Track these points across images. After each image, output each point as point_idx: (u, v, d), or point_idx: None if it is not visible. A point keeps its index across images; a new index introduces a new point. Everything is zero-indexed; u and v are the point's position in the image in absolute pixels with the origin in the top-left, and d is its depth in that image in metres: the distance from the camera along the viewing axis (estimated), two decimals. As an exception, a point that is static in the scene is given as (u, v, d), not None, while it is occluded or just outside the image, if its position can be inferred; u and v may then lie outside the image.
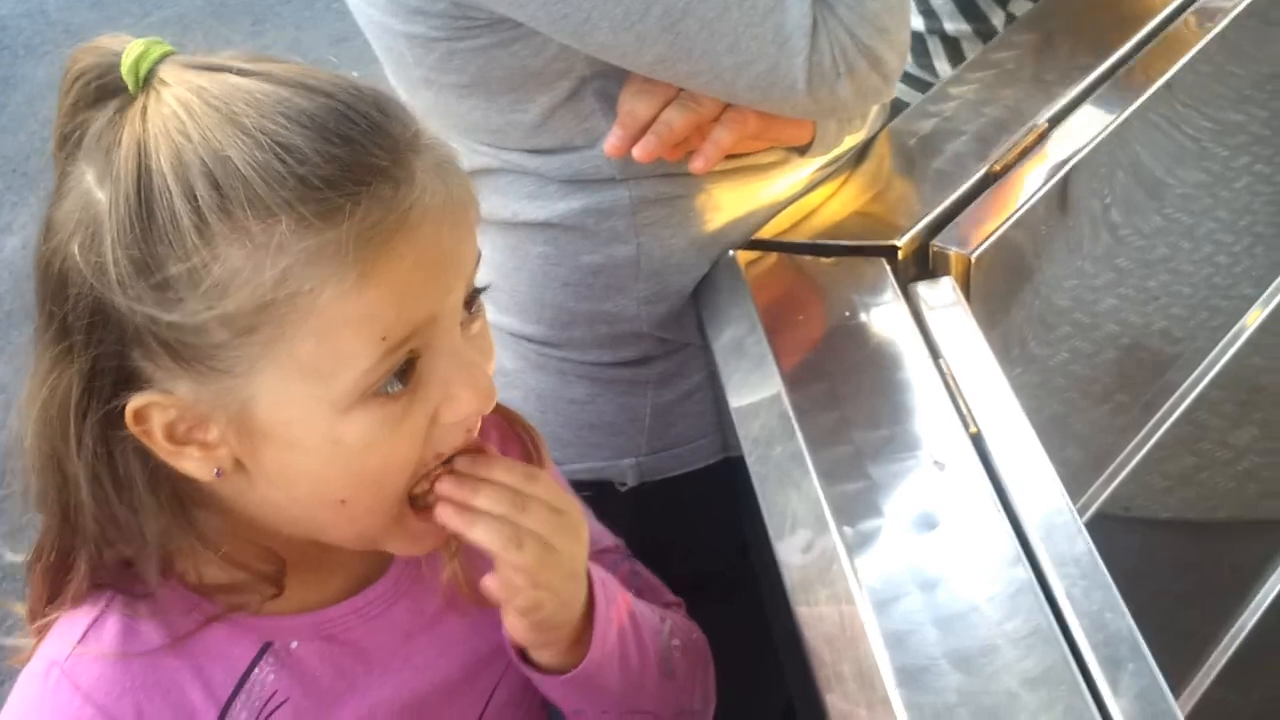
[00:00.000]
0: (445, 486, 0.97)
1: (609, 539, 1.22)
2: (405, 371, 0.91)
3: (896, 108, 1.56)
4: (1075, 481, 1.42)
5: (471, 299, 0.97)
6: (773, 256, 1.39)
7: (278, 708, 0.99)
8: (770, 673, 1.29)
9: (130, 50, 0.89)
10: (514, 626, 1.04)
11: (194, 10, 4.54)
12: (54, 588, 0.99)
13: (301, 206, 0.85)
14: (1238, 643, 1.44)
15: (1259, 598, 1.48)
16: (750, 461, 1.19)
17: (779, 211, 1.42)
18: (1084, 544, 1.02)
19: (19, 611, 1.02)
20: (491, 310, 1.46)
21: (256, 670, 0.99)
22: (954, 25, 1.84)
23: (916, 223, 1.36)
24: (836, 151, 1.42)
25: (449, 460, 0.98)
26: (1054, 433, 1.39)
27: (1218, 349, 1.63)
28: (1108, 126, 1.46)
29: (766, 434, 1.20)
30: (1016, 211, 1.37)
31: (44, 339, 0.93)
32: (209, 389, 0.90)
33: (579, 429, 1.47)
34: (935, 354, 1.22)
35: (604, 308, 1.40)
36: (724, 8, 1.20)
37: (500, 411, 1.05)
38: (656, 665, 1.14)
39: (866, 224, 1.39)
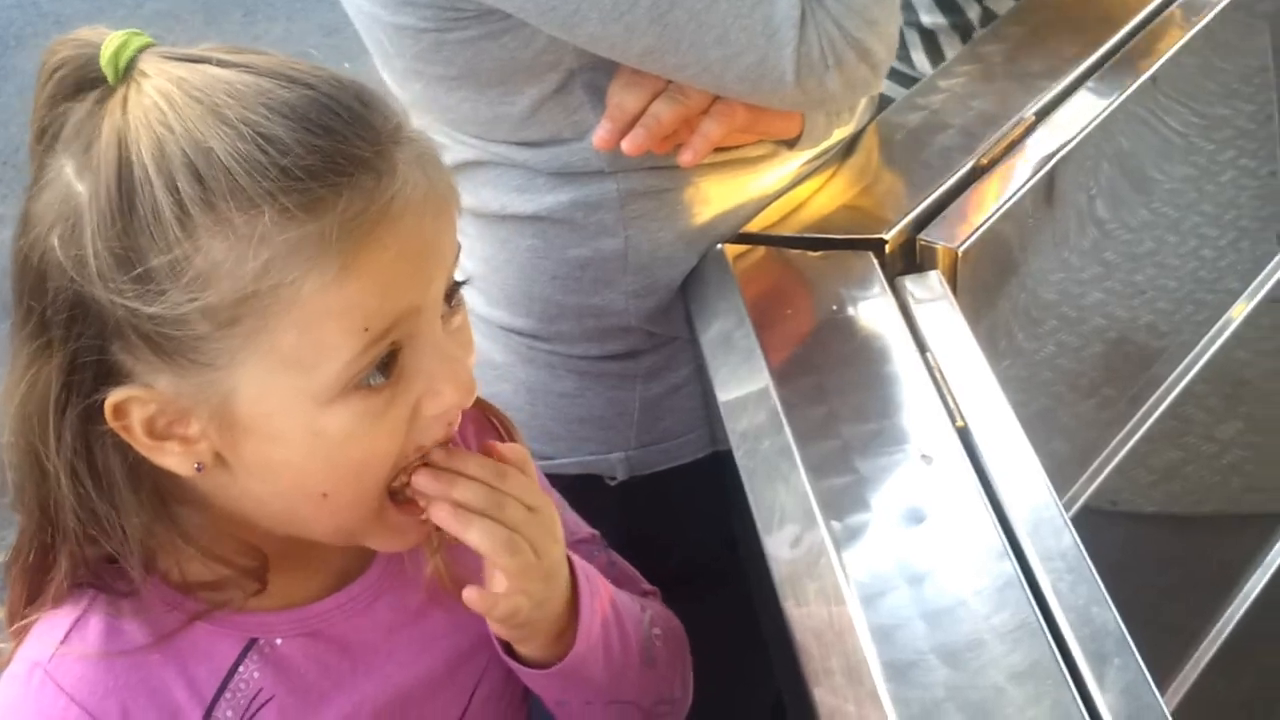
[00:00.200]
0: (421, 480, 0.97)
1: (585, 529, 1.21)
2: (387, 364, 0.91)
3: (881, 101, 1.56)
4: (1062, 475, 1.42)
5: (452, 292, 0.96)
6: (760, 250, 1.39)
7: (263, 705, 0.99)
8: (759, 667, 1.29)
9: (109, 42, 0.89)
10: (496, 625, 1.04)
11: (185, 3, 4.53)
12: (33, 588, 0.98)
13: (284, 197, 0.85)
14: (1224, 636, 1.44)
15: (1244, 592, 1.49)
16: (738, 456, 1.19)
17: (767, 205, 1.42)
18: (1070, 538, 1.03)
19: None
20: (481, 303, 1.46)
21: (241, 668, 0.99)
22: (930, 18, 1.85)
23: (903, 216, 1.36)
24: (824, 145, 1.42)
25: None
26: (1041, 426, 1.39)
27: (1203, 343, 1.63)
28: (1094, 120, 1.46)
29: (754, 428, 1.20)
30: (1003, 205, 1.37)
31: (22, 334, 0.92)
32: (190, 382, 0.89)
33: (568, 423, 1.47)
34: (922, 348, 1.22)
35: (592, 301, 1.40)
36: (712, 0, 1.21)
37: (475, 402, 1.05)
38: (639, 655, 1.14)
39: (854, 217, 1.40)
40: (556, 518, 1.04)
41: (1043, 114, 1.47)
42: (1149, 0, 1.59)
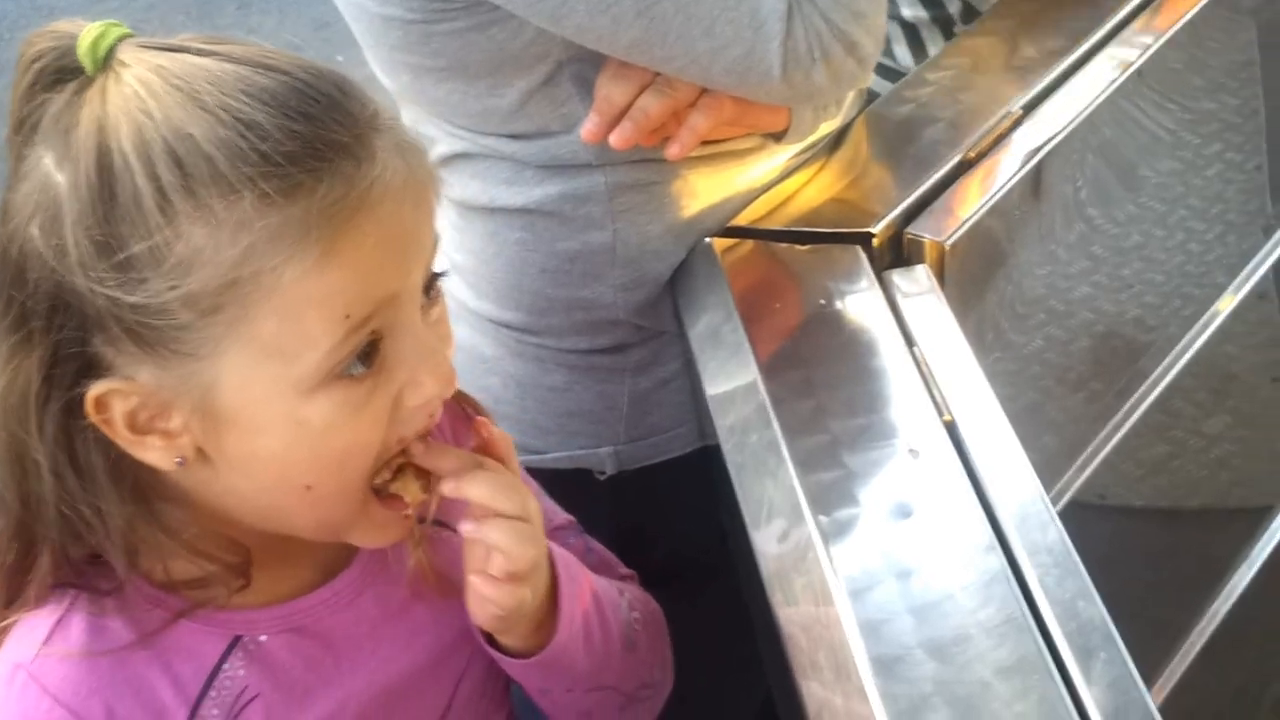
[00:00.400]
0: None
1: (561, 515, 1.21)
2: (368, 354, 0.91)
3: (869, 97, 1.56)
4: (1050, 469, 1.42)
5: (431, 283, 0.96)
6: (749, 244, 1.39)
7: (249, 703, 0.99)
8: (750, 661, 1.29)
9: (87, 33, 0.88)
10: (479, 616, 1.04)
11: (178, -5, 4.52)
12: (13, 589, 0.97)
13: (264, 183, 0.85)
14: (1211, 630, 1.44)
15: (1231, 586, 1.49)
16: (726, 450, 1.19)
17: (755, 198, 1.42)
18: (1056, 532, 1.03)
19: None
20: (470, 296, 1.46)
21: (226, 665, 0.99)
22: (912, 11, 1.85)
23: (891, 210, 1.36)
24: (812, 138, 1.42)
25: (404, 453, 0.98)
26: (1029, 420, 1.39)
27: (1190, 337, 1.63)
28: (1080, 114, 1.46)
29: (742, 422, 1.20)
30: (990, 199, 1.37)
31: (2, 326, 0.91)
32: (172, 374, 0.89)
33: (558, 416, 1.47)
34: (910, 342, 1.22)
35: (581, 294, 1.40)
36: None
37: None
38: (619, 640, 1.14)
39: (842, 211, 1.40)
40: (538, 506, 1.04)
41: (1030, 107, 1.47)
42: (1134, -5, 1.59)
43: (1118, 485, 1.55)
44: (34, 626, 0.96)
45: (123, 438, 0.91)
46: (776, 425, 1.16)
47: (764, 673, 1.28)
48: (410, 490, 0.98)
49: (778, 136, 1.38)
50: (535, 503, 1.03)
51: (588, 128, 1.28)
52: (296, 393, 0.90)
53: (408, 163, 0.92)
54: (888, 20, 1.85)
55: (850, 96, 1.46)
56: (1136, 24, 1.57)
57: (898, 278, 1.30)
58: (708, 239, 1.39)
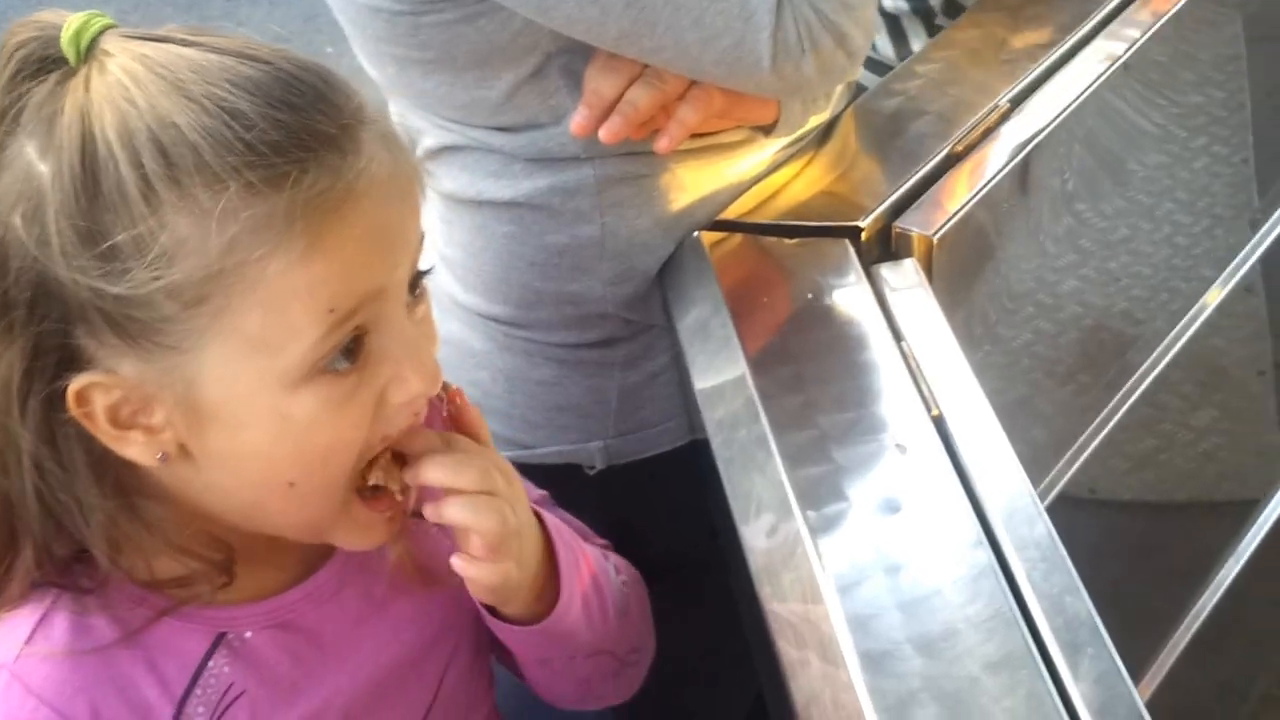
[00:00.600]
0: (378, 475, 0.97)
1: (535, 491, 1.21)
2: (353, 349, 0.91)
3: (857, 88, 1.56)
4: (1040, 462, 1.43)
5: (416, 281, 0.96)
6: (737, 237, 1.39)
7: (234, 700, 0.98)
8: (741, 658, 1.29)
9: (70, 23, 0.88)
10: (478, 589, 1.04)
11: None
12: None
13: (249, 173, 0.84)
14: (1198, 624, 1.45)
15: (1219, 579, 1.49)
16: (715, 445, 1.19)
17: (743, 191, 1.42)
18: (1044, 527, 1.03)
19: None
20: (459, 290, 1.46)
21: (210, 663, 0.98)
22: (893, 2, 1.85)
23: (879, 203, 1.36)
24: (801, 131, 1.42)
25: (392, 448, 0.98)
26: (1018, 413, 1.40)
27: (1177, 330, 1.64)
28: (1068, 107, 1.46)
29: (731, 417, 1.20)
30: (978, 192, 1.37)
31: None
32: (155, 367, 0.88)
33: (548, 411, 1.47)
34: (898, 336, 1.22)
35: (569, 288, 1.40)
36: None
37: None
38: (613, 604, 1.14)
39: (830, 204, 1.39)
40: (513, 471, 1.04)
41: (1018, 101, 1.47)
42: (1122, -12, 1.60)
43: (1106, 478, 1.55)
44: (15, 626, 0.95)
45: (104, 432, 0.91)
46: (765, 420, 1.15)
47: (755, 668, 1.28)
48: (394, 478, 0.98)
49: (767, 130, 1.37)
50: (501, 475, 1.02)
51: (577, 121, 1.27)
52: (280, 387, 0.89)
53: (393, 156, 0.92)
54: (869, 11, 1.86)
55: (839, 89, 1.45)
56: (1123, 18, 1.57)
57: (886, 271, 1.30)
58: (696, 232, 1.39)
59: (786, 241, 1.37)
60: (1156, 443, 1.63)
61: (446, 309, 1.46)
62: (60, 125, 0.86)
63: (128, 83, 0.86)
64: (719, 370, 1.25)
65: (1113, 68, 1.51)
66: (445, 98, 1.33)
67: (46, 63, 0.89)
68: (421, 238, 0.96)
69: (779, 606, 1.05)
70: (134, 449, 0.91)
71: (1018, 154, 1.41)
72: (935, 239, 1.32)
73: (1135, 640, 1.11)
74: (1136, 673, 0.93)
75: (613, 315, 1.41)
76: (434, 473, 0.98)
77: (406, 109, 1.38)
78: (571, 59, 1.29)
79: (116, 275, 0.85)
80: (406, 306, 0.95)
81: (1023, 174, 1.42)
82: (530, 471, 1.16)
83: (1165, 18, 1.56)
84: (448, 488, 0.99)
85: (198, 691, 0.97)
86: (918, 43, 1.83)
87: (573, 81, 1.29)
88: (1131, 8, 1.58)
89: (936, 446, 1.11)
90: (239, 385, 0.89)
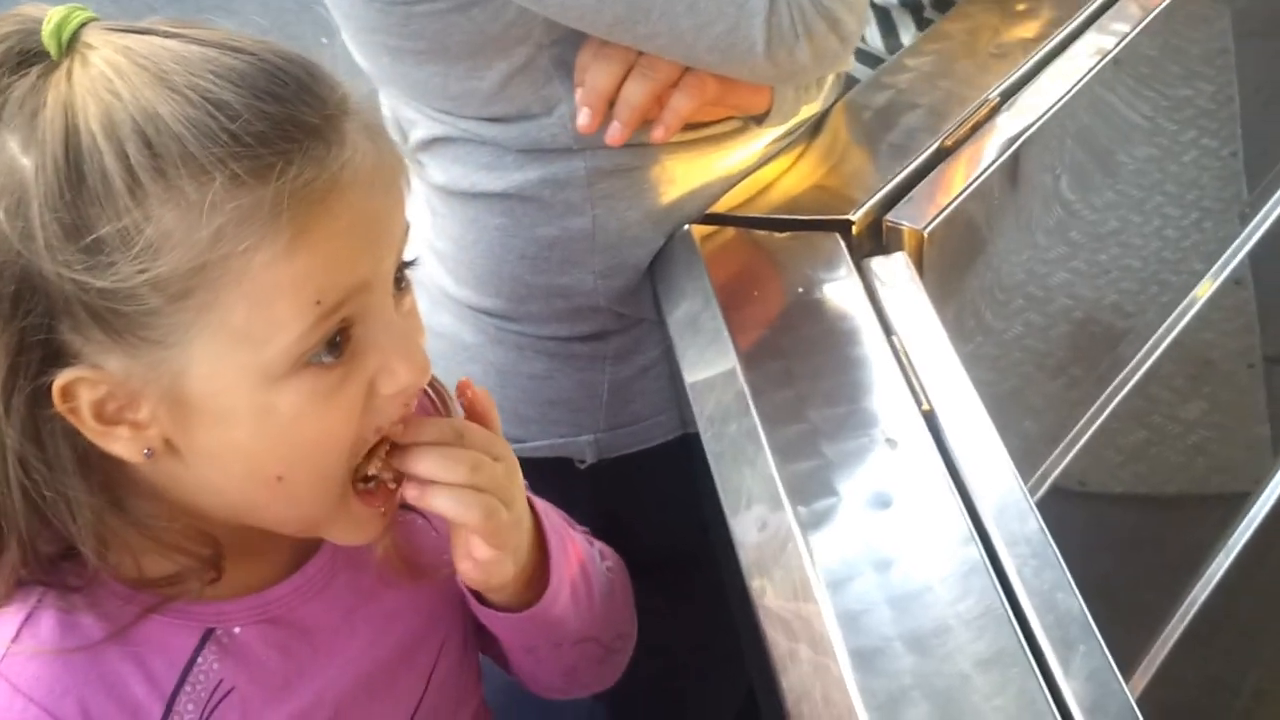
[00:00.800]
0: (378, 463, 0.97)
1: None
2: (339, 342, 0.90)
3: (848, 80, 1.56)
4: (1031, 455, 1.43)
5: (401, 273, 0.96)
6: (728, 231, 1.39)
7: (225, 697, 0.98)
8: (732, 654, 1.29)
9: (51, 16, 0.87)
10: (469, 575, 1.04)
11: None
12: None
13: (234, 164, 0.84)
14: (1189, 618, 1.45)
15: (1209, 573, 1.50)
16: (705, 439, 1.19)
17: (734, 184, 1.41)
18: (1035, 523, 1.03)
19: None
20: (450, 283, 1.46)
21: (200, 659, 0.97)
22: None
23: (870, 197, 1.36)
24: (792, 122, 1.41)
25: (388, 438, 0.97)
26: (1011, 406, 1.40)
27: (1168, 323, 1.64)
28: (1058, 101, 1.47)
29: (721, 411, 1.20)
30: (969, 186, 1.37)
31: None
32: (140, 362, 0.88)
33: (539, 405, 1.47)
34: (889, 331, 1.22)
35: (560, 281, 1.40)
36: None
37: None
38: (599, 590, 1.14)
39: (821, 198, 1.39)
40: (516, 464, 1.04)
41: (1008, 95, 1.47)
42: (1111, -18, 1.60)
43: (1098, 471, 1.55)
44: (2, 625, 0.94)
45: (89, 428, 0.90)
46: (755, 414, 1.15)
47: (746, 664, 1.29)
48: (388, 468, 0.97)
49: (759, 119, 1.37)
50: (501, 466, 1.01)
51: (581, 122, 1.28)
52: (266, 380, 0.89)
53: (378, 147, 0.92)
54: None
55: (830, 80, 1.45)
56: (1113, 11, 1.57)
57: (877, 265, 1.30)
58: (687, 226, 1.39)
59: (777, 235, 1.37)
60: (1147, 435, 1.64)
61: (438, 302, 1.46)
62: (43, 119, 0.85)
63: (111, 75, 0.85)
64: (709, 364, 1.25)
65: (1103, 62, 1.51)
66: (438, 88, 1.33)
67: (27, 56, 0.88)
68: (406, 229, 0.96)
69: (769, 602, 1.05)
70: (120, 445, 0.91)
71: (1008, 148, 1.41)
72: (926, 233, 1.32)
73: (1126, 634, 1.11)
74: (1127, 667, 0.93)
75: (603, 308, 1.41)
76: (425, 465, 0.98)
77: (398, 100, 1.38)
78: (564, 49, 1.28)
79: (102, 269, 0.84)
80: (393, 298, 0.94)
81: (1013, 168, 1.42)
82: (521, 465, 1.16)
83: (1155, 12, 1.57)
84: (437, 480, 0.99)
85: (187, 688, 0.97)
86: (907, 35, 1.83)
87: (565, 72, 1.29)
88: (1121, 2, 1.58)
89: (927, 441, 1.11)
90: (224, 379, 0.89)
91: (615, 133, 1.28)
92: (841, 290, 1.27)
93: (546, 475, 1.23)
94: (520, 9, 1.23)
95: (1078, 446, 1.50)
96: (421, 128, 1.38)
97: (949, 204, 1.35)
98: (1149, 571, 1.51)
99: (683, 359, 1.29)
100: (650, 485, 1.49)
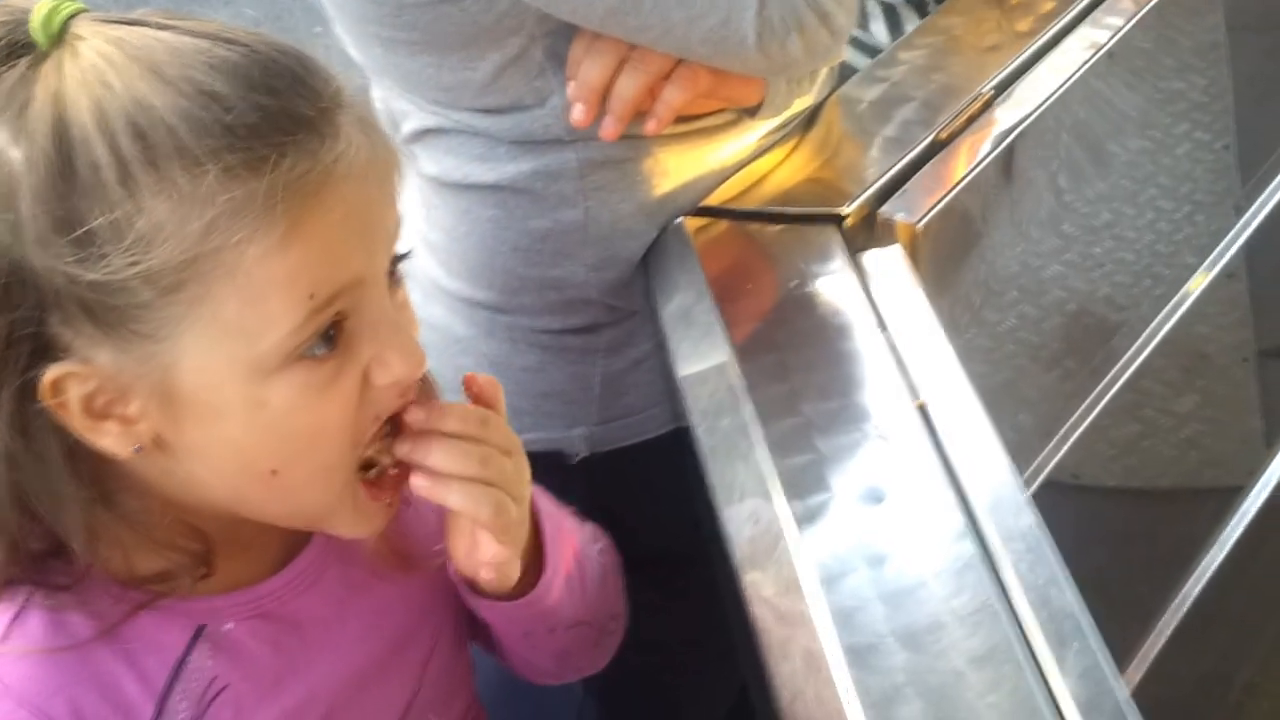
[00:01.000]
0: (403, 449, 0.96)
1: None
2: (332, 336, 0.89)
3: (843, 73, 1.56)
4: (1026, 448, 1.43)
5: (394, 266, 0.95)
6: (722, 224, 1.38)
7: (217, 695, 0.97)
8: (727, 652, 1.29)
9: (39, 7, 0.86)
10: (484, 579, 1.04)
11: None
12: None
13: (228, 155, 0.83)
14: (1182, 613, 1.45)
15: (1202, 568, 1.50)
16: (698, 433, 1.19)
17: (728, 177, 1.41)
18: (1029, 518, 1.02)
19: None
20: (442, 275, 1.45)
21: (191, 656, 0.97)
22: None
23: (864, 190, 1.36)
24: (785, 115, 1.41)
25: (391, 421, 0.96)
26: (1005, 399, 1.40)
27: (1161, 316, 1.64)
28: (1052, 95, 1.47)
29: (714, 405, 1.19)
30: (963, 180, 1.37)
31: None
32: (130, 356, 0.87)
33: (531, 397, 1.46)
34: (883, 324, 1.22)
35: (552, 273, 1.39)
36: None
37: None
38: (592, 574, 1.14)
39: (815, 191, 1.39)
40: (526, 459, 1.04)
41: (1002, 88, 1.47)
42: (1105, -25, 1.60)
43: (1091, 464, 1.55)
44: None
45: (78, 423, 0.89)
46: (748, 408, 1.15)
47: (739, 661, 1.28)
48: (385, 452, 0.97)
49: (752, 111, 1.37)
50: (512, 462, 1.01)
51: (575, 116, 1.27)
52: (257, 374, 0.88)
53: (371, 140, 0.91)
54: (866, -1, 1.86)
55: (823, 74, 1.45)
56: (1107, 5, 1.57)
57: (870, 259, 1.30)
58: (680, 218, 1.38)
59: (770, 228, 1.36)
60: (1140, 429, 1.64)
61: (430, 294, 1.46)
62: (32, 110, 0.84)
63: (102, 66, 0.84)
64: (702, 357, 1.25)
65: (1096, 55, 1.51)
66: (431, 79, 1.32)
67: (15, 48, 0.87)
68: (399, 223, 0.95)
69: (762, 598, 1.04)
70: (108, 440, 0.90)
71: (1002, 141, 1.41)
72: (920, 226, 1.32)
73: (1119, 628, 1.11)
74: (1120, 662, 0.93)
75: (596, 301, 1.41)
76: (437, 457, 0.97)
77: (391, 91, 1.38)
78: (556, 41, 1.28)
79: (92, 261, 0.84)
80: (386, 291, 0.94)
81: (1007, 161, 1.42)
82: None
83: (1148, 6, 1.57)
84: (449, 473, 0.98)
85: (179, 686, 0.96)
86: (912, 30, 1.83)
87: (557, 64, 1.29)
88: (1115, -5, 1.59)
89: (921, 436, 1.10)
90: (215, 374, 0.88)
91: (609, 126, 1.28)
92: (835, 283, 1.27)
93: (539, 469, 1.22)
94: (513, 0, 1.23)
95: (1071, 440, 1.50)
96: (414, 119, 1.37)
97: (943, 197, 1.35)
98: (1142, 565, 1.52)
99: (675, 352, 1.28)
100: (644, 479, 1.49)
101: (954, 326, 1.27)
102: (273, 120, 0.85)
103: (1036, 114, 1.44)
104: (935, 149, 1.41)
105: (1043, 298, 1.57)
